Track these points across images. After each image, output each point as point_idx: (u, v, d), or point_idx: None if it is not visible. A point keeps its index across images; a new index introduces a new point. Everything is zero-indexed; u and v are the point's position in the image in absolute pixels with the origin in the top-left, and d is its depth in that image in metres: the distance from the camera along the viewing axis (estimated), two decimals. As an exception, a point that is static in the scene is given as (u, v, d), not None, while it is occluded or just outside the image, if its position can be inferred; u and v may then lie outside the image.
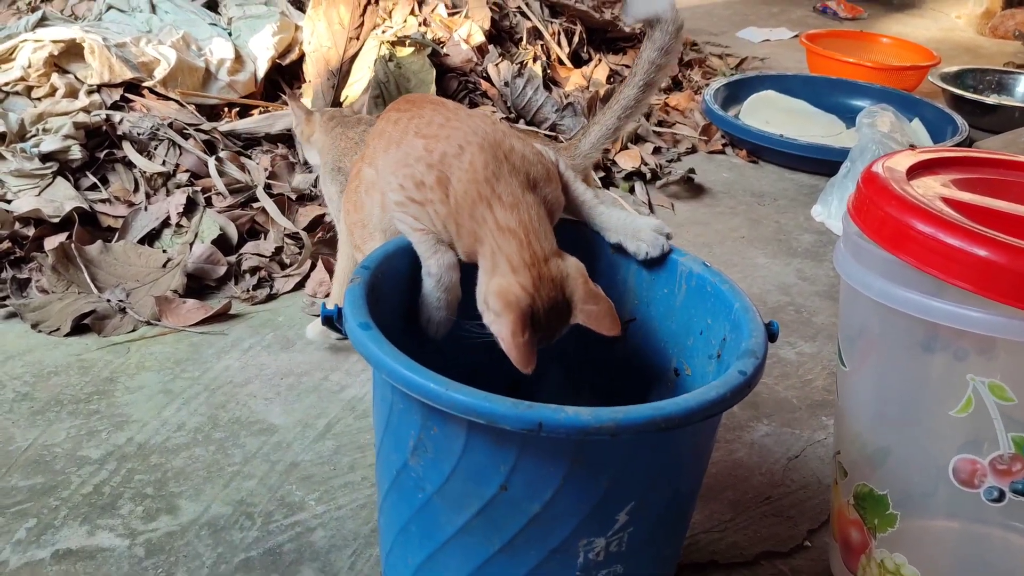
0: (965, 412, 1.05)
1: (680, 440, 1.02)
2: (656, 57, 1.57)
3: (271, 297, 1.94)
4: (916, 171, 1.18)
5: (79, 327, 1.77)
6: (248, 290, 1.93)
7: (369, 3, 2.65)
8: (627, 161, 2.70)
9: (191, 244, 1.99)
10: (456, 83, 2.76)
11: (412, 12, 2.90)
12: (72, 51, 2.35)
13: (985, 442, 1.06)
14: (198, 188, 2.13)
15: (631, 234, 1.25)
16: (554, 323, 1.11)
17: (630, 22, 1.65)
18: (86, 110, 2.22)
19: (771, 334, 1.10)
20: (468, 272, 1.18)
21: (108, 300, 1.82)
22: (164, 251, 1.99)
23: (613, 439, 0.92)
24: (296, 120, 1.98)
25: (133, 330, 1.79)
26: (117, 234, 2.01)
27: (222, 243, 2.01)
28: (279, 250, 2.04)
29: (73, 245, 1.89)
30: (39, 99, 2.28)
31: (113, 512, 1.35)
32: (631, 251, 1.25)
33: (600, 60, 3.26)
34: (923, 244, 1.02)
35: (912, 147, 2.25)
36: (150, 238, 2.03)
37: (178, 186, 2.14)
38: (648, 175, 2.66)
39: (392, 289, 1.18)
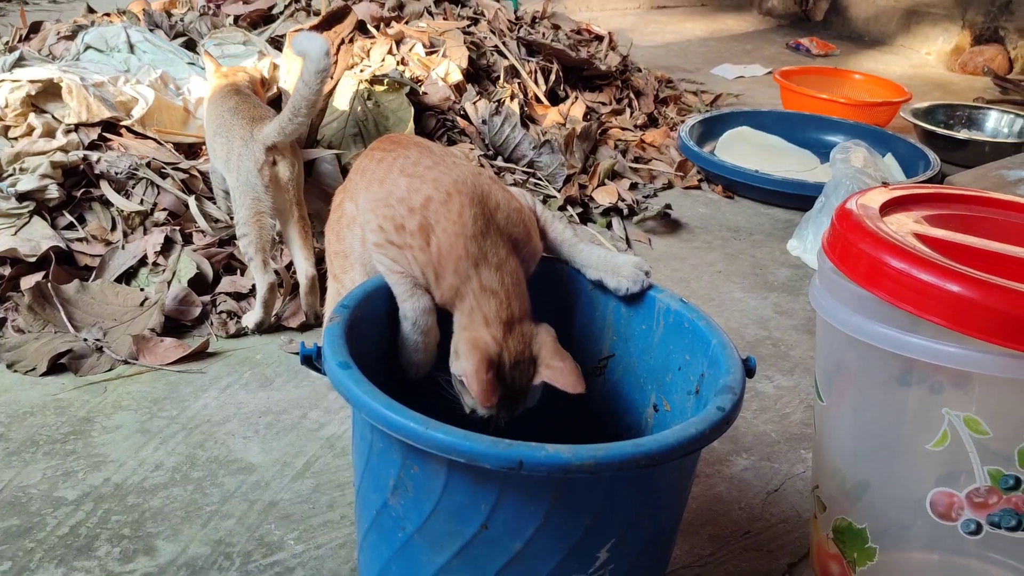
0: (941, 446, 1.06)
1: (660, 477, 1.02)
2: (301, 87, 1.78)
3: (246, 333, 1.94)
4: (889, 208, 1.19)
5: (56, 366, 1.76)
6: (224, 321, 1.93)
7: (343, 42, 2.67)
8: (604, 197, 2.72)
9: (169, 283, 1.99)
10: (434, 121, 2.78)
11: (390, 51, 2.92)
12: (50, 91, 2.35)
13: (962, 475, 1.07)
14: (176, 227, 2.13)
15: (611, 270, 1.26)
16: (518, 379, 1.14)
17: (294, 52, 1.85)
18: (63, 149, 2.22)
19: (748, 370, 1.10)
20: (447, 316, 1.19)
21: (85, 339, 1.81)
22: (141, 290, 1.98)
23: (593, 476, 0.92)
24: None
25: (110, 369, 1.78)
26: (94, 273, 2.00)
27: (199, 281, 2.01)
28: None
29: (50, 284, 1.88)
30: (16, 139, 2.27)
31: (89, 554, 1.34)
32: (611, 287, 1.26)
33: (577, 98, 3.29)
34: (897, 280, 1.04)
35: (885, 183, 2.28)
36: (127, 277, 2.02)
37: (156, 225, 2.14)
38: (625, 211, 2.68)
39: (372, 329, 1.18)
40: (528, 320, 1.16)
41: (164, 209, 2.18)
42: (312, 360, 1.09)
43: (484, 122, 2.83)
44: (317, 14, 2.95)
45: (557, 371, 1.13)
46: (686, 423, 0.97)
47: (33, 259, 1.96)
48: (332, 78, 2.62)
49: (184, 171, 2.29)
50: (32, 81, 2.33)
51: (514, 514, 0.95)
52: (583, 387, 1.12)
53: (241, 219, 1.91)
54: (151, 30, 2.91)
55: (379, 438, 1.01)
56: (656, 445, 0.93)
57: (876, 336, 1.07)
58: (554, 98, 3.26)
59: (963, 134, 3.55)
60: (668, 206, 2.69)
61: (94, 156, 2.22)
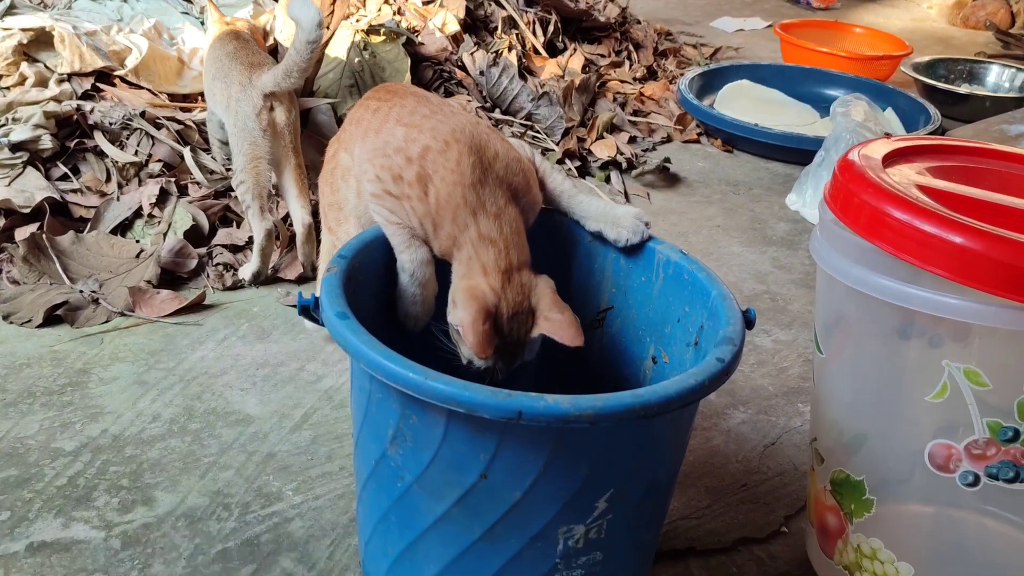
0: (940, 398, 1.06)
1: (659, 427, 1.02)
2: (293, 54, 1.81)
3: (242, 286, 1.93)
4: (892, 159, 1.18)
5: (52, 318, 1.75)
6: (221, 273, 1.92)
7: (339, -8, 2.64)
8: (603, 150, 2.70)
9: (164, 235, 1.98)
10: (431, 72, 2.75)
11: (386, 1, 2.88)
12: (42, 40, 2.32)
13: (960, 427, 1.06)
14: (171, 178, 2.11)
15: (611, 221, 1.25)
16: (516, 330, 1.13)
17: (288, 17, 1.86)
18: (57, 99, 2.19)
19: (748, 321, 1.10)
20: (445, 268, 1.18)
21: (81, 291, 1.80)
22: (137, 241, 1.97)
23: (592, 427, 0.91)
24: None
25: (106, 321, 1.77)
26: (89, 224, 1.99)
27: (194, 233, 2.00)
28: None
29: (44, 235, 1.87)
30: (8, 88, 2.24)
31: (88, 504, 1.34)
32: (611, 238, 1.25)
33: (575, 49, 3.26)
34: (899, 231, 1.03)
35: (887, 135, 2.27)
36: (122, 228, 2.01)
37: (151, 176, 2.12)
38: (624, 164, 2.67)
39: (370, 279, 1.17)
40: (528, 270, 1.15)
41: (159, 160, 2.16)
42: (310, 311, 1.08)
43: (482, 73, 2.80)
44: (312, -37, 2.91)
45: (556, 323, 1.12)
46: (685, 374, 0.97)
47: (27, 210, 1.94)
48: (328, 28, 2.59)
49: (179, 122, 2.27)
50: (24, 29, 2.30)
51: (513, 464, 0.95)
52: (582, 340, 1.10)
53: (239, 166, 1.91)
54: (144, -21, 2.86)
55: (378, 388, 1.00)
56: (655, 396, 0.93)
57: (877, 288, 1.06)
58: (552, 50, 3.23)
59: (964, 88, 3.53)
60: (667, 160, 2.68)
61: (88, 106, 2.20)
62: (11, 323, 1.73)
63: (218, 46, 2.04)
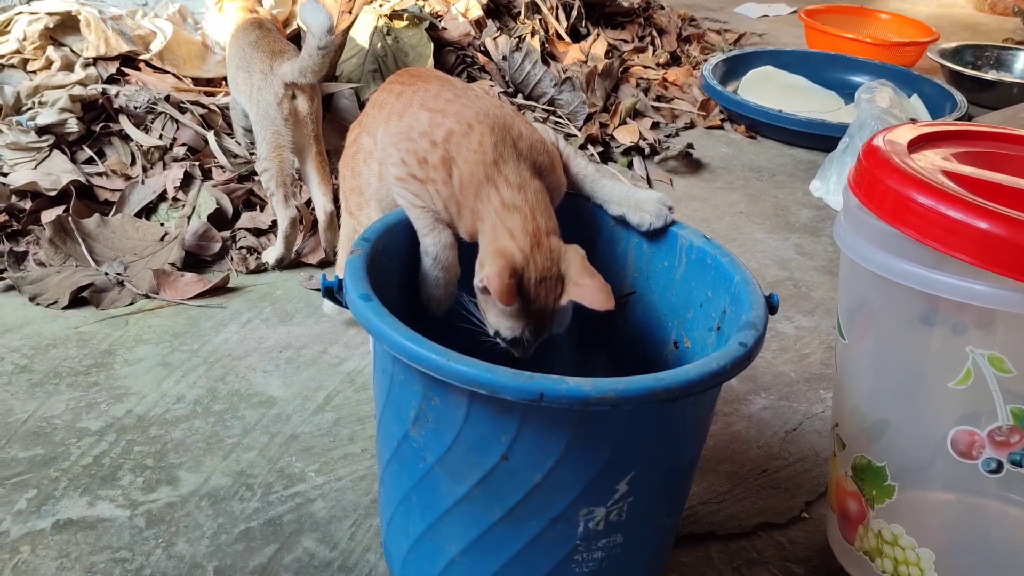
0: (964, 384, 1.05)
1: (680, 411, 1.02)
2: (305, 56, 1.83)
3: (265, 269, 1.94)
4: (917, 144, 1.17)
5: (77, 300, 1.77)
6: (244, 257, 1.94)
7: (362, -23, 2.64)
8: (626, 136, 2.69)
9: (188, 218, 1.99)
10: (454, 57, 2.75)
11: (409, -15, 2.88)
12: (68, 24, 2.33)
13: (983, 414, 1.06)
14: (195, 162, 2.13)
15: (634, 206, 1.25)
16: (544, 297, 1.11)
17: (300, 21, 1.87)
18: (82, 83, 2.21)
19: (771, 306, 1.10)
20: (468, 251, 1.18)
21: (106, 273, 1.82)
22: (161, 224, 1.98)
23: (614, 409, 0.92)
24: None
25: (131, 303, 1.79)
26: (114, 208, 2.00)
27: (218, 217, 2.01)
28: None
29: (70, 218, 1.89)
30: (35, 72, 2.26)
31: (113, 483, 1.36)
32: (634, 223, 1.24)
33: (598, 35, 3.25)
34: (924, 216, 1.02)
35: (913, 121, 2.25)
36: (147, 211, 2.02)
37: (175, 160, 2.13)
38: (647, 150, 2.66)
39: (393, 262, 1.18)
40: (557, 237, 1.13)
41: (183, 144, 2.18)
42: (334, 292, 1.09)
43: (504, 58, 2.79)
44: (336, -53, 2.91)
45: (586, 288, 1.09)
46: (708, 358, 0.97)
47: (54, 193, 1.96)
48: (351, 13, 2.60)
49: (203, 106, 2.28)
50: (50, 13, 2.31)
51: (534, 446, 0.96)
52: (613, 304, 1.07)
53: (262, 154, 1.92)
54: (169, -37, 2.87)
55: (400, 370, 1.01)
56: (677, 379, 0.93)
57: (901, 273, 1.06)
58: (575, 35, 3.22)
59: (991, 75, 3.50)
60: (690, 146, 2.67)
61: (113, 90, 2.21)
62: (37, 304, 1.75)
63: (240, 35, 2.05)
